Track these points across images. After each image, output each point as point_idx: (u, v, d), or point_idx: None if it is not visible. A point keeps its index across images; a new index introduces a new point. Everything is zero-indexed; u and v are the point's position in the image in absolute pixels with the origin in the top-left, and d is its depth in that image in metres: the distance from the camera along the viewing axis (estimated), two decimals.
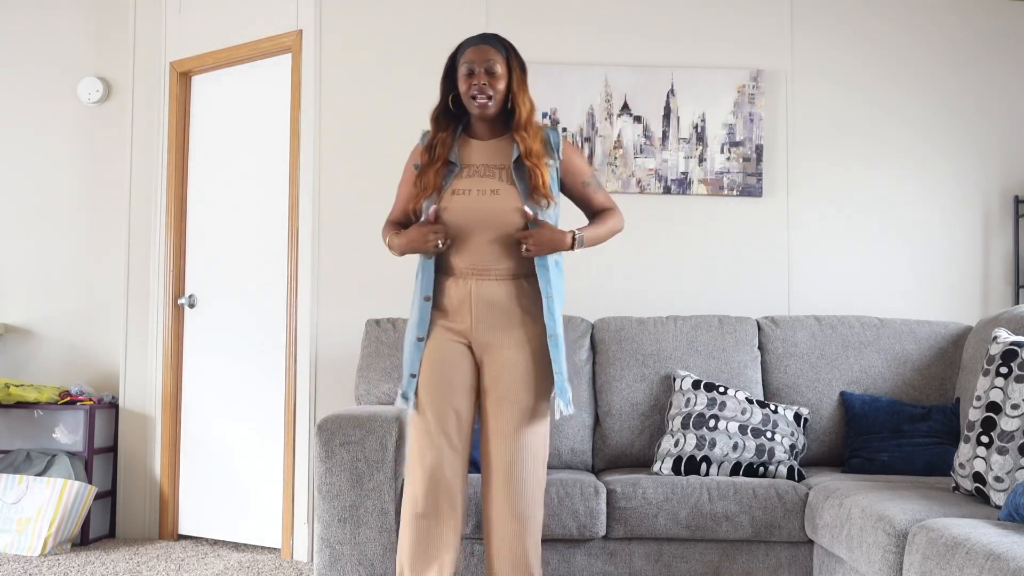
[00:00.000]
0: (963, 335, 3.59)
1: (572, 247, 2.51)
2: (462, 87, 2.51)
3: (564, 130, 4.02)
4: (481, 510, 2.57)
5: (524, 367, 2.49)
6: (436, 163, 2.49)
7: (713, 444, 3.18)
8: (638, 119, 4.04)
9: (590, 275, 4.02)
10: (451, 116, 2.57)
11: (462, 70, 2.51)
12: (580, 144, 4.02)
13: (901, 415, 3.36)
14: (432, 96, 2.65)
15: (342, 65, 4.03)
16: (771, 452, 3.19)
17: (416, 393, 2.49)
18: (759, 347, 3.63)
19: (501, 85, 2.50)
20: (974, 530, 2.07)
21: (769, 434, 3.23)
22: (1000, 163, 4.11)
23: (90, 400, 4.23)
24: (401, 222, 2.66)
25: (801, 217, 4.06)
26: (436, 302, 2.52)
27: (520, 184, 2.49)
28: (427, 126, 2.62)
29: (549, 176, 2.50)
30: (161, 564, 3.76)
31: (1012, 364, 2.52)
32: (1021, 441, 2.44)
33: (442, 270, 2.53)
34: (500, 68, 2.50)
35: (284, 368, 4.03)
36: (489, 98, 2.49)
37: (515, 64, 2.54)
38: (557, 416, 2.48)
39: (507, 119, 2.57)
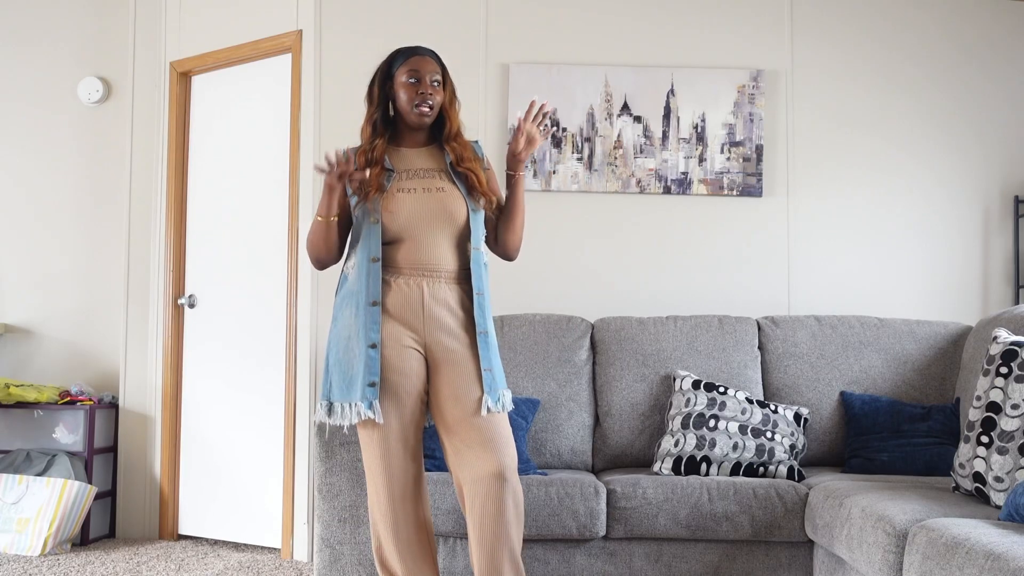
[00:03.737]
0: (963, 335, 3.59)
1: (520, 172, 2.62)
2: (405, 95, 2.55)
3: (564, 130, 4.02)
4: (467, 509, 2.51)
5: (474, 366, 2.50)
6: (375, 166, 2.51)
7: (713, 444, 3.18)
8: (638, 119, 4.04)
9: (590, 275, 4.02)
10: (385, 123, 2.60)
11: (404, 78, 2.55)
12: (580, 144, 4.02)
13: (901, 415, 3.37)
14: None
15: (342, 65, 4.02)
16: (771, 452, 3.19)
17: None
18: (759, 347, 3.63)
19: (440, 97, 2.58)
20: (974, 530, 2.07)
21: (769, 434, 3.23)
22: (1000, 163, 4.11)
23: (90, 400, 4.23)
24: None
25: (801, 217, 4.06)
26: (382, 305, 2.50)
27: (460, 185, 2.56)
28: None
29: (485, 178, 2.60)
30: (161, 564, 3.76)
31: (1012, 364, 2.52)
32: (1021, 441, 2.44)
33: (385, 271, 2.52)
34: (440, 81, 2.58)
35: (284, 368, 4.03)
36: (431, 108, 2.56)
37: (449, 79, 2.62)
38: (484, 412, 2.46)
39: (433, 132, 2.64)
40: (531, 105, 2.56)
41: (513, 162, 2.59)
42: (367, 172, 2.49)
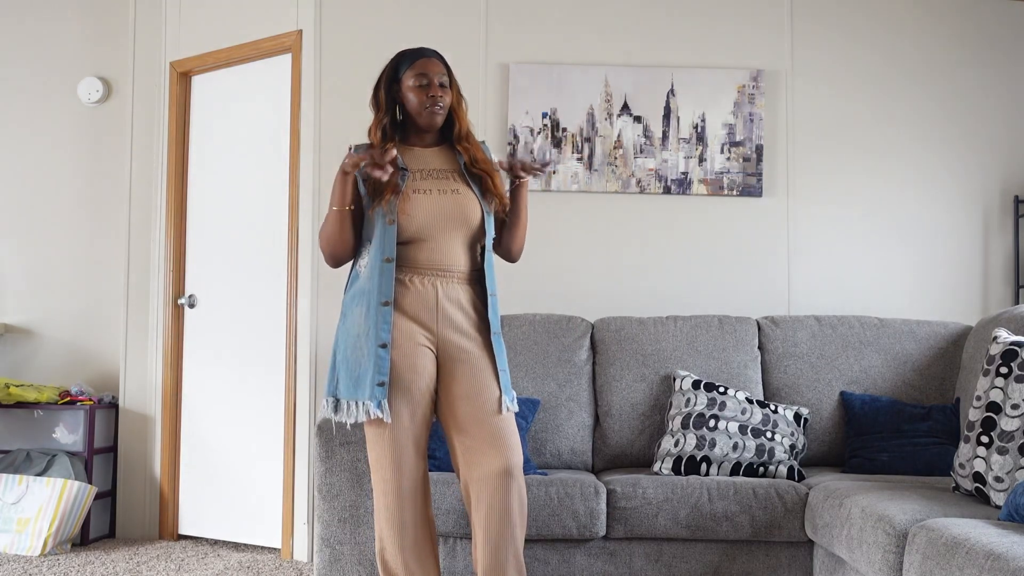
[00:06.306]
0: (963, 335, 3.59)
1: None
2: (415, 98, 2.54)
3: (564, 130, 4.02)
4: (472, 507, 2.50)
5: (488, 365, 2.51)
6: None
7: (713, 444, 3.18)
8: (638, 119, 4.04)
9: (590, 275, 4.02)
10: (394, 127, 2.60)
11: (413, 81, 2.54)
12: (580, 144, 4.02)
13: (901, 415, 3.37)
14: None
15: (342, 65, 4.02)
16: (771, 452, 3.19)
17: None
18: (759, 347, 3.63)
19: (449, 98, 2.58)
20: (974, 530, 2.08)
21: (769, 434, 3.23)
22: (1000, 163, 4.11)
23: (90, 400, 4.23)
24: None
25: (801, 217, 4.06)
26: (396, 303, 2.49)
27: (474, 187, 2.56)
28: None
29: (500, 181, 2.60)
30: (161, 564, 3.76)
31: (1012, 364, 2.52)
32: (1021, 441, 2.44)
33: (400, 270, 2.51)
34: (447, 82, 2.58)
35: (284, 368, 4.03)
36: (442, 109, 2.56)
37: (454, 79, 2.62)
38: (504, 412, 2.47)
39: (442, 131, 2.63)
40: (531, 167, 2.55)
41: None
42: (392, 153, 2.43)
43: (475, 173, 2.57)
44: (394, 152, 2.41)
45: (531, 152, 3.98)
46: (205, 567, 3.73)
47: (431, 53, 2.59)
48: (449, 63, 2.62)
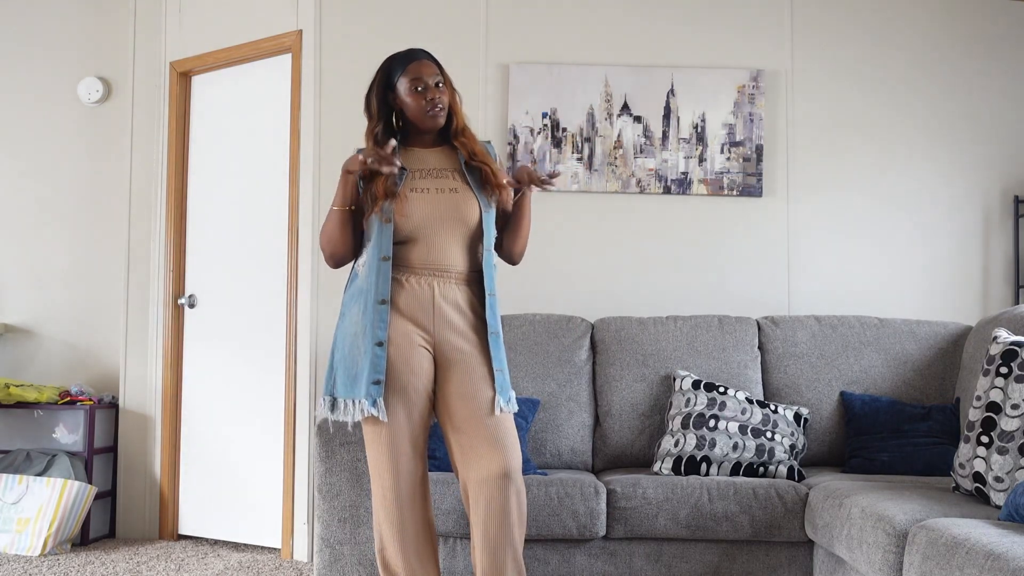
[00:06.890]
0: (963, 335, 3.59)
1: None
2: (414, 103, 2.54)
3: (564, 130, 4.02)
4: (471, 508, 2.49)
5: (483, 366, 2.51)
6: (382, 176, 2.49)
7: (713, 444, 3.18)
8: (638, 119, 4.04)
9: (590, 275, 4.02)
10: (388, 134, 2.59)
11: (409, 87, 2.53)
12: (580, 144, 4.02)
13: (901, 415, 3.37)
14: None
15: (342, 65, 4.02)
16: (771, 452, 3.19)
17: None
18: (759, 347, 3.63)
19: (447, 98, 2.58)
20: (974, 530, 2.08)
21: (769, 434, 3.23)
22: (1000, 163, 4.11)
23: (90, 400, 4.23)
24: None
25: (801, 217, 4.06)
26: (393, 303, 2.50)
27: (473, 184, 2.56)
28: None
29: (499, 171, 2.60)
30: (161, 564, 3.76)
31: (1012, 364, 2.52)
32: (1021, 441, 2.44)
33: (396, 269, 2.51)
34: (442, 81, 2.58)
35: (284, 368, 4.03)
36: (443, 110, 2.56)
37: (447, 75, 2.62)
38: (497, 412, 2.47)
39: (442, 131, 2.63)
40: (547, 179, 2.54)
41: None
42: (392, 144, 2.45)
43: (474, 167, 2.57)
44: (394, 143, 2.42)
45: (531, 153, 3.98)
46: (205, 567, 3.73)
47: (421, 55, 2.58)
48: (448, 63, 2.62)
